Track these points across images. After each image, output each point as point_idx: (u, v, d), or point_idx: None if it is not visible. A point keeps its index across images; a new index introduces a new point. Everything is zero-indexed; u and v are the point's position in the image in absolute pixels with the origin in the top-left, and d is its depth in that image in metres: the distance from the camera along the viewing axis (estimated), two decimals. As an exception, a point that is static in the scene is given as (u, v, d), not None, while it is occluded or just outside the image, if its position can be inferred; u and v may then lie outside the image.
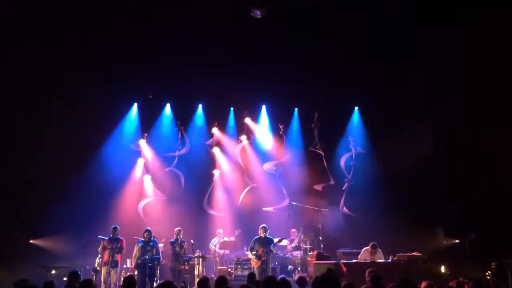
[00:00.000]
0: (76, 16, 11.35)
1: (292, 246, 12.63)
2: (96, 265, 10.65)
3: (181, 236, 11.43)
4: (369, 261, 10.52)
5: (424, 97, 13.57)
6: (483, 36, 11.51)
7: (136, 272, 10.91)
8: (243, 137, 14.66)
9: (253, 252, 10.58)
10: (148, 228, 11.31)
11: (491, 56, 11.70)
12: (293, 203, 13.15)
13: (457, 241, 12.62)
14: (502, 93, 12.17)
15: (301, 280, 7.50)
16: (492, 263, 10.68)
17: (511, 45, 11.29)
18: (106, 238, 10.93)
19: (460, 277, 7.05)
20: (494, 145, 12.21)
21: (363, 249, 11.03)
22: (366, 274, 7.51)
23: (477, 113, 12.46)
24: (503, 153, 12.12)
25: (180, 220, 12.81)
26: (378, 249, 10.97)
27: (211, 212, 14.29)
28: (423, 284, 6.44)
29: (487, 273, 10.63)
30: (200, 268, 11.21)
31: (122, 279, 11.02)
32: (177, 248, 11.27)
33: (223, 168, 14.67)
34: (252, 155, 14.77)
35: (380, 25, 11.66)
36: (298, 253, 12.34)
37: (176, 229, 11.54)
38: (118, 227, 11.20)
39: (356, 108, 14.70)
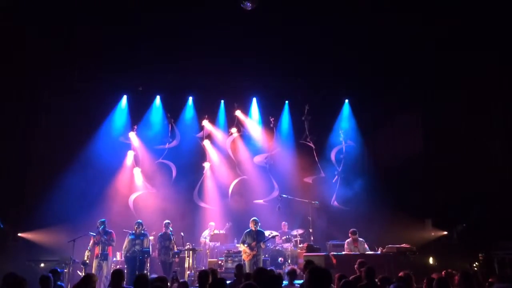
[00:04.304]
0: (66, 8, 11.19)
1: (283, 238, 12.68)
2: (85, 258, 10.58)
3: (171, 229, 11.39)
4: (358, 252, 10.61)
5: (415, 91, 13.64)
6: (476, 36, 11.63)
7: (125, 265, 10.88)
8: (234, 130, 14.63)
9: (245, 244, 10.60)
10: (139, 220, 11.28)
11: (483, 55, 11.85)
12: (284, 195, 13.16)
13: (445, 233, 12.75)
14: (493, 90, 12.33)
15: (291, 273, 7.55)
16: (480, 255, 10.83)
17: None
18: (95, 234, 10.87)
19: (449, 269, 7.13)
20: (482, 140, 12.38)
21: (345, 241, 11.11)
22: (356, 265, 7.57)
23: (467, 109, 12.62)
24: (491, 148, 12.30)
25: (170, 212, 12.78)
26: (360, 238, 11.06)
27: (202, 204, 14.27)
28: (400, 273, 6.53)
29: (474, 265, 10.78)
30: (191, 261, 11.20)
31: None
32: (167, 242, 11.25)
33: (214, 161, 14.64)
34: (243, 148, 14.76)
35: (373, 20, 11.66)
36: (288, 245, 12.40)
37: (165, 221, 11.52)
38: (105, 220, 11.16)
39: (347, 101, 14.71)
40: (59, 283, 7.43)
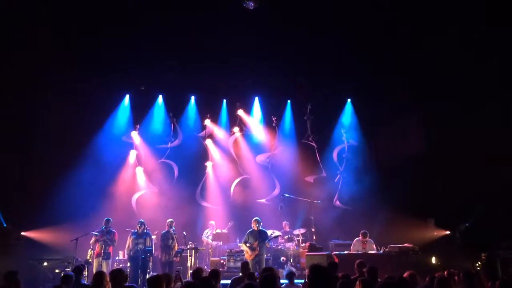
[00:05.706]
0: (67, 7, 11.20)
1: (285, 238, 12.67)
2: (88, 257, 10.62)
3: (173, 228, 11.41)
4: (361, 252, 10.61)
5: (417, 91, 13.61)
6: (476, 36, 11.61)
7: (128, 264, 10.92)
8: (236, 129, 14.65)
9: (247, 244, 10.60)
10: (141, 220, 11.29)
11: (483, 55, 11.82)
12: (286, 195, 13.15)
13: (448, 232, 12.73)
14: (494, 90, 12.30)
15: (290, 275, 7.62)
16: (482, 254, 10.81)
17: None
18: (98, 234, 10.89)
19: (451, 268, 7.12)
20: (484, 139, 12.34)
21: (355, 239, 11.12)
22: (355, 265, 7.57)
23: (468, 108, 12.58)
24: (493, 147, 12.26)
25: (172, 212, 12.79)
26: (369, 239, 11.08)
27: (204, 204, 14.29)
28: (406, 274, 6.53)
29: (477, 264, 10.76)
30: (193, 260, 11.21)
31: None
32: (170, 241, 11.27)
33: (216, 160, 14.67)
34: (245, 147, 14.77)
35: (374, 20, 11.65)
36: (290, 245, 12.40)
37: (168, 220, 11.54)
38: (111, 220, 11.19)
39: (349, 100, 14.70)
40: (82, 281, 7.46)
